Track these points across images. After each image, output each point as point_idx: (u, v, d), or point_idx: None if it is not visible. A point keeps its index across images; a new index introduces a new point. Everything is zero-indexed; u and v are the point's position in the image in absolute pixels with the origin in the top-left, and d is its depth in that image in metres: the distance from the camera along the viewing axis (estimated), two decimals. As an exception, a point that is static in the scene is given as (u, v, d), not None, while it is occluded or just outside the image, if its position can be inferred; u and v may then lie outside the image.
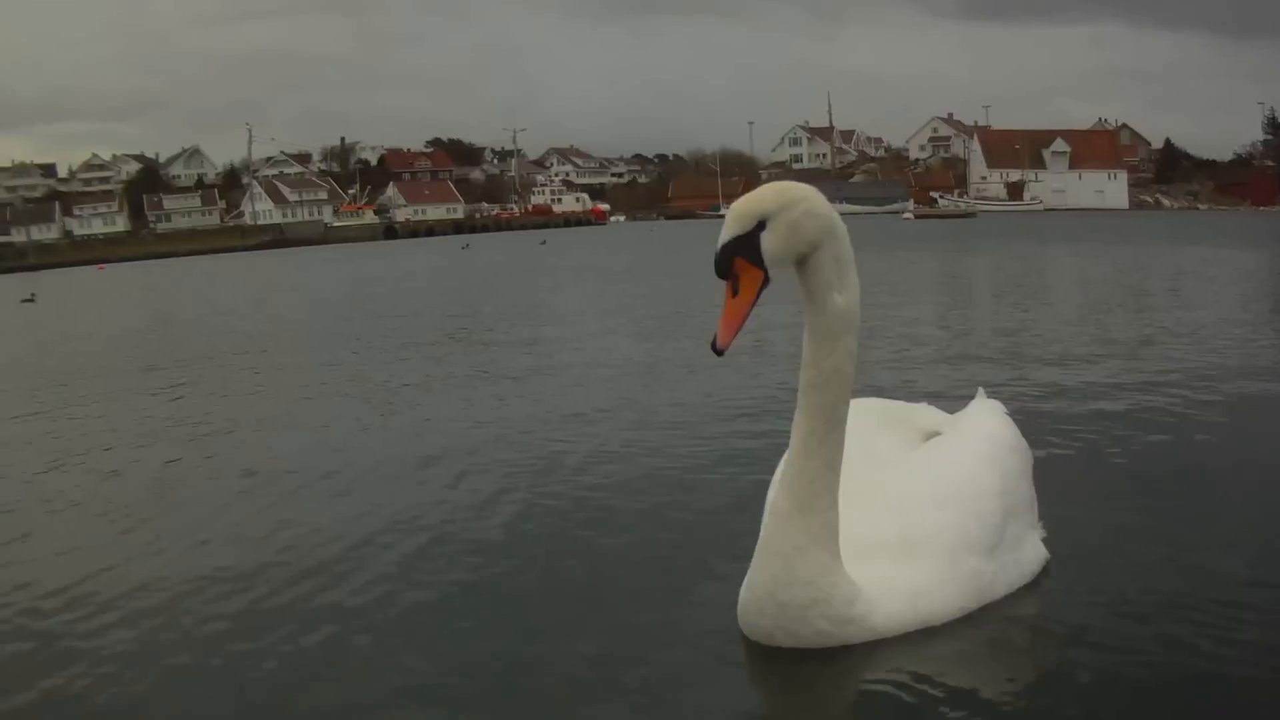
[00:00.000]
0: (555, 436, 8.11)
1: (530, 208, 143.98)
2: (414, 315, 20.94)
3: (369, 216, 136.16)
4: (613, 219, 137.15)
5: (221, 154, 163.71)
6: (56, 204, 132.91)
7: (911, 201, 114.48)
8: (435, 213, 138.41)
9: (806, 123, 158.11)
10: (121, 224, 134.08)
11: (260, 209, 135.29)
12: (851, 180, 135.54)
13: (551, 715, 3.72)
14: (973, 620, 4.10)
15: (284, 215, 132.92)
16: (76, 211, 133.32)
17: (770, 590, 3.89)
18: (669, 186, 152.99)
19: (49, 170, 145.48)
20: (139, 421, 10.17)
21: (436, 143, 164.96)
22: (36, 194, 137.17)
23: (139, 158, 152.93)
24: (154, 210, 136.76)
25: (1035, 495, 4.76)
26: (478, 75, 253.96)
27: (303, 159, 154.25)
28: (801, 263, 3.76)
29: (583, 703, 3.76)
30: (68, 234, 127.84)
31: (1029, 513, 4.66)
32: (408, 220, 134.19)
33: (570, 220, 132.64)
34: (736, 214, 3.69)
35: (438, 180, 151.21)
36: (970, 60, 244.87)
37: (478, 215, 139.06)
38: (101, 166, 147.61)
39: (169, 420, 10.18)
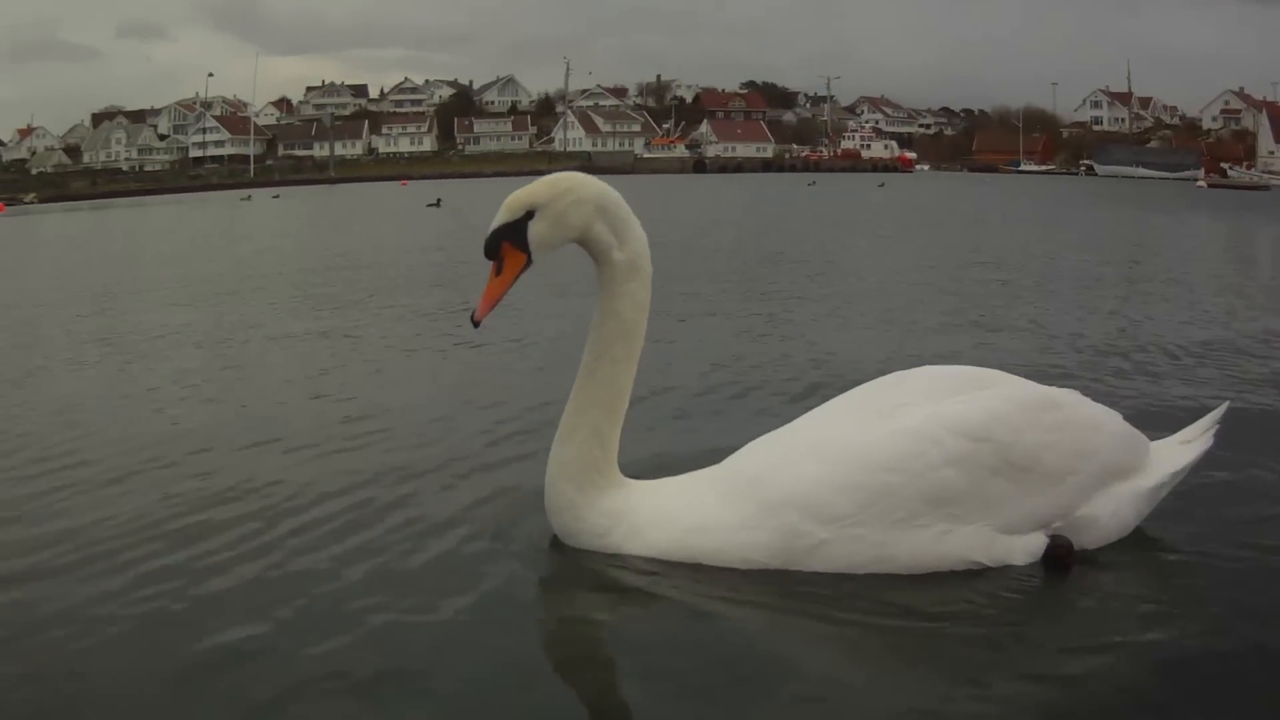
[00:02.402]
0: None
1: (839, 152, 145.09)
2: None
3: (679, 150, 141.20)
4: (918, 167, 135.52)
5: (536, 85, 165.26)
6: (365, 123, 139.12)
7: (1202, 170, 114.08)
8: (745, 151, 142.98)
9: (1107, 87, 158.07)
10: (429, 144, 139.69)
11: (571, 136, 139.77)
12: (1147, 145, 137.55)
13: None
14: (783, 579, 3.96)
15: (594, 145, 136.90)
16: (385, 130, 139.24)
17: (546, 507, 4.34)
18: (973, 139, 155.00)
19: (360, 90, 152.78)
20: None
21: (751, 85, 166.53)
22: (346, 113, 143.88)
23: (452, 83, 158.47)
24: (464, 133, 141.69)
25: (1015, 496, 4.09)
26: (796, 26, 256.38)
27: (618, 92, 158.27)
28: (582, 239, 4.07)
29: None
30: (372, 151, 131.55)
31: (972, 509, 4.06)
32: (717, 156, 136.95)
33: (878, 166, 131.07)
34: (508, 204, 3.99)
35: (751, 120, 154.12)
36: (1261, 39, 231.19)
37: (787, 155, 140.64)
38: (413, 90, 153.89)
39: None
